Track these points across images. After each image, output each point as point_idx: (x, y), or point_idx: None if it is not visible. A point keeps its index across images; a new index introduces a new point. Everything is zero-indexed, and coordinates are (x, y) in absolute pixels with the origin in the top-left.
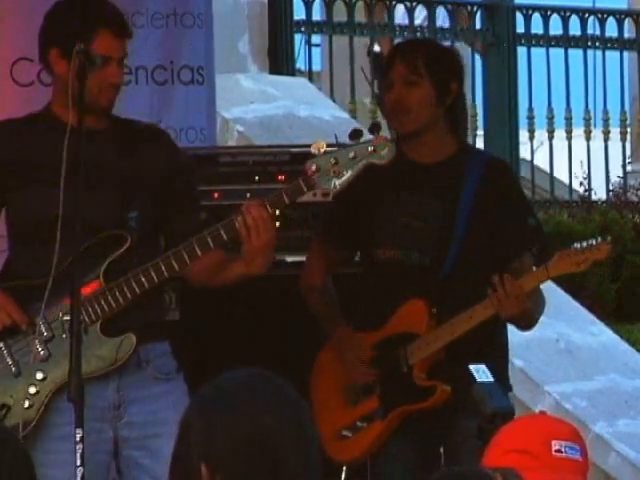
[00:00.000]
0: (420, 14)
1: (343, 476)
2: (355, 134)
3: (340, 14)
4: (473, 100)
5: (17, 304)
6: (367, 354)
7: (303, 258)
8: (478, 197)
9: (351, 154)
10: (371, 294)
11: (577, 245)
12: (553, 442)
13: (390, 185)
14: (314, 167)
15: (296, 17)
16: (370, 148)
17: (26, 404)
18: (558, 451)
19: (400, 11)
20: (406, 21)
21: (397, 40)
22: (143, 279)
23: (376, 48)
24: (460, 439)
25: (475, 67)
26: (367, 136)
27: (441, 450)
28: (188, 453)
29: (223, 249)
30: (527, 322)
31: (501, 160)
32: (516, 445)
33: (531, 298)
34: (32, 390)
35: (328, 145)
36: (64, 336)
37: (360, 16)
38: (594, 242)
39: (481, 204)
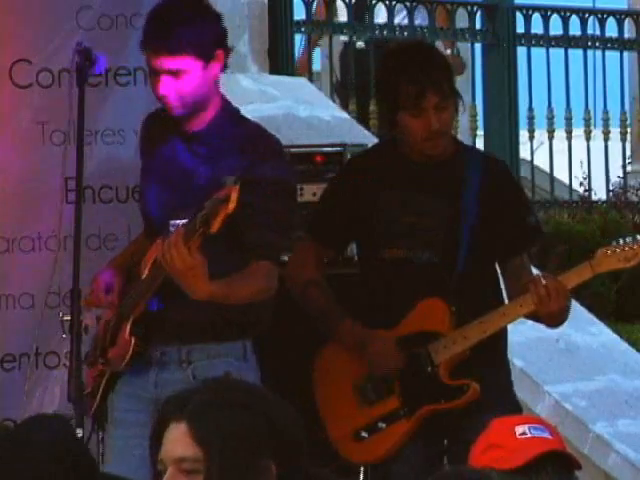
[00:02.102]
0: (400, 13)
1: (361, 477)
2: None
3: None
4: (473, 100)
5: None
6: (390, 345)
7: None
8: (480, 195)
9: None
10: (378, 294)
11: (621, 240)
12: (516, 428)
13: (390, 185)
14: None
15: (296, 17)
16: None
17: None
18: (522, 434)
19: (381, 10)
20: (385, 20)
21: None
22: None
23: (359, 44)
24: (474, 438)
25: (475, 67)
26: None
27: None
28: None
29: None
30: (561, 320)
31: (498, 158)
32: (485, 444)
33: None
34: None
35: (331, 145)
36: None
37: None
38: (639, 237)
39: (483, 202)
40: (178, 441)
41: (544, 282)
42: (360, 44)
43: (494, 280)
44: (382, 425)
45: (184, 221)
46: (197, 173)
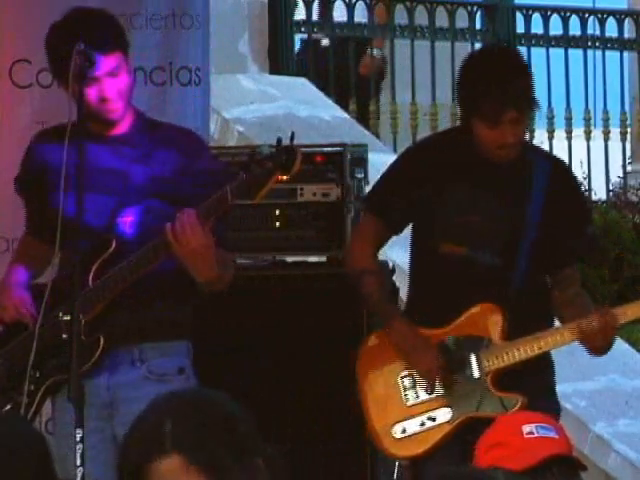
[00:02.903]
0: (359, 10)
1: (395, 472)
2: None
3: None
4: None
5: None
6: (438, 361)
7: (303, 258)
8: (547, 199)
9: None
10: (433, 289)
11: None
12: (523, 427)
13: (457, 178)
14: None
15: (296, 17)
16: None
17: None
18: (530, 433)
19: (339, 8)
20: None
21: (396, 41)
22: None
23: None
24: None
25: None
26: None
27: None
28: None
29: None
30: (605, 351)
31: (563, 160)
32: (490, 441)
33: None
34: None
35: (331, 145)
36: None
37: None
38: None
39: (547, 209)
40: (178, 474)
41: (597, 318)
42: (325, 42)
43: (545, 288)
44: (424, 424)
45: (130, 219)
46: (131, 173)
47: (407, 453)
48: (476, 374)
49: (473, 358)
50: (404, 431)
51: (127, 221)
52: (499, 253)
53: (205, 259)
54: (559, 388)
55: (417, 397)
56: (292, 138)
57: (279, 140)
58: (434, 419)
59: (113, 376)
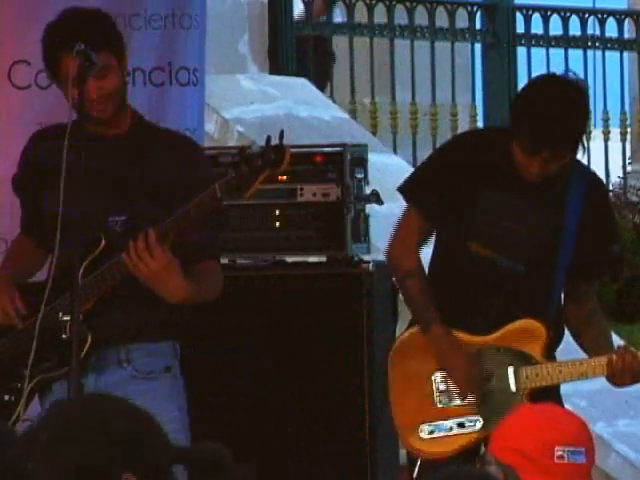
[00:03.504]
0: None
1: (417, 470)
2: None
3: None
4: (473, 100)
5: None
6: (474, 370)
7: (303, 258)
8: (583, 215)
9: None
10: (461, 286)
11: None
12: (556, 448)
13: (494, 182)
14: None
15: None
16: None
17: None
18: (560, 457)
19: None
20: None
21: (396, 41)
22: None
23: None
24: None
25: (475, 67)
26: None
27: None
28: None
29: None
30: (630, 384)
31: (598, 176)
32: (515, 444)
33: None
34: None
35: (331, 145)
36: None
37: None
38: None
39: (583, 224)
40: None
41: (621, 356)
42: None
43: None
44: (454, 429)
45: (122, 218)
46: (124, 174)
47: (432, 453)
48: (513, 388)
49: (511, 371)
50: (431, 432)
51: (118, 221)
52: (525, 261)
53: (168, 281)
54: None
55: (449, 401)
56: (281, 136)
57: (268, 138)
58: (463, 426)
59: (100, 376)
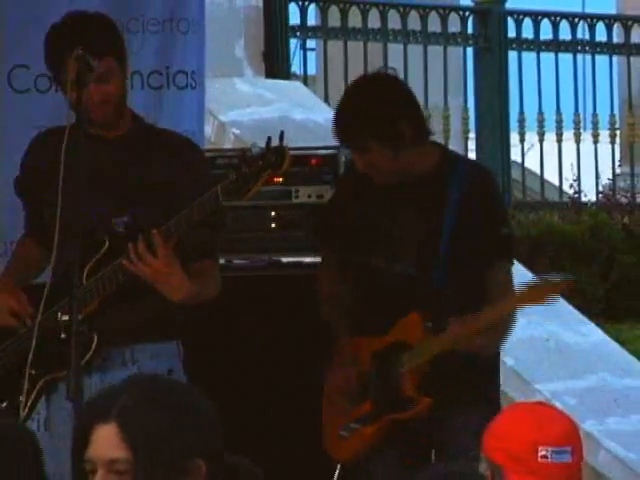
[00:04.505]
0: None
1: (336, 475)
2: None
3: (334, 19)
4: (465, 103)
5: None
6: (363, 360)
7: (299, 259)
8: (459, 211)
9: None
10: (361, 299)
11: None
12: (539, 448)
13: (374, 193)
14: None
15: (291, 22)
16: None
17: None
18: (544, 457)
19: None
20: None
21: (390, 45)
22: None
23: None
24: (447, 437)
25: (467, 70)
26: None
27: (432, 451)
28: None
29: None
30: (483, 354)
31: (482, 170)
32: (504, 444)
33: (484, 335)
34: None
35: (325, 148)
36: None
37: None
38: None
39: (461, 217)
40: (109, 443)
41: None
42: None
43: (471, 293)
44: (355, 426)
45: (124, 219)
46: (126, 176)
47: (341, 456)
48: (395, 377)
49: (395, 362)
50: (341, 435)
51: (120, 222)
52: (412, 263)
53: (171, 280)
54: (550, 386)
55: (354, 401)
56: (281, 138)
57: (268, 140)
58: (362, 421)
59: (105, 376)
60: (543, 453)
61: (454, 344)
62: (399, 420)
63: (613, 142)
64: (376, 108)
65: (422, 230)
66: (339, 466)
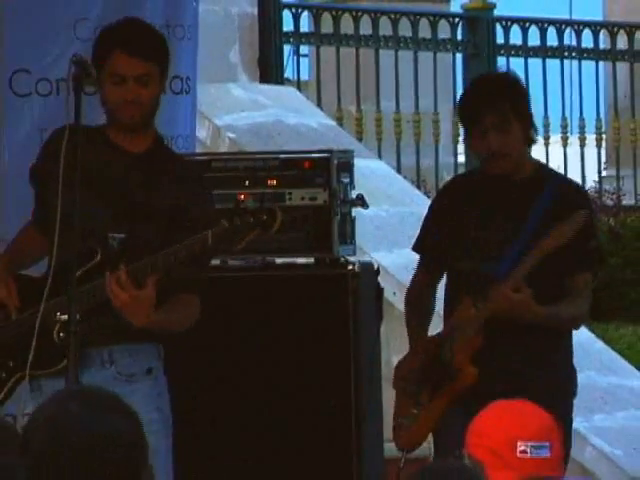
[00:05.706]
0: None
1: (402, 463)
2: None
3: (326, 26)
4: (454, 108)
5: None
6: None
7: (292, 260)
8: (544, 216)
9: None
10: (450, 301)
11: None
12: (518, 443)
13: (470, 201)
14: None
15: (285, 29)
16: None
17: None
18: (523, 452)
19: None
20: None
21: (381, 51)
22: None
23: None
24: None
25: (457, 76)
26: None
27: None
28: None
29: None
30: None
31: (574, 183)
32: (484, 440)
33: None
34: None
35: (318, 152)
36: None
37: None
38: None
39: (545, 223)
40: None
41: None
42: None
43: (555, 299)
44: (415, 412)
45: (121, 235)
46: (133, 193)
47: (404, 443)
48: (448, 354)
49: (448, 341)
50: (401, 423)
51: (116, 238)
52: (496, 264)
53: (135, 313)
54: None
55: (413, 390)
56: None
57: (262, 198)
58: (419, 406)
59: (84, 376)
60: (522, 448)
61: (498, 309)
62: (448, 392)
63: (599, 145)
64: (517, 85)
65: (509, 231)
66: (402, 453)
